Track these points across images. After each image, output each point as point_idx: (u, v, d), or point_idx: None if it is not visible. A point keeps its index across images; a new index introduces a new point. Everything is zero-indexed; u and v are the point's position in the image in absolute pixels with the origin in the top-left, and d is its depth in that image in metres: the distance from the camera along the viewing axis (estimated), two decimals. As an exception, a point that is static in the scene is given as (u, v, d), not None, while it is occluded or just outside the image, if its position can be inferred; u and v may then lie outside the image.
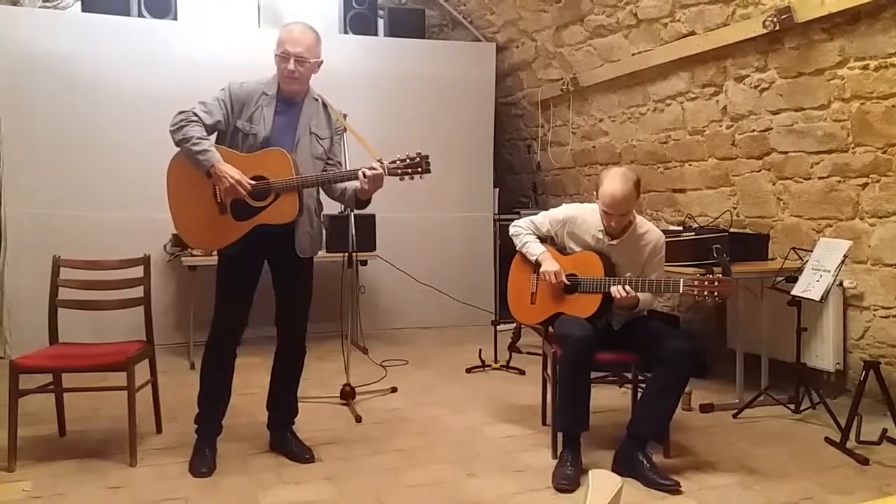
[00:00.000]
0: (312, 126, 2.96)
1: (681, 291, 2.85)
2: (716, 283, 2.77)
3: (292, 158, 2.84)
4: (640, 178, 3.04)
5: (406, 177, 2.91)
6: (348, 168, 3.09)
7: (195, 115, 2.80)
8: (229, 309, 2.96)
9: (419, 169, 2.90)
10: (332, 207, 5.01)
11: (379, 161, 2.88)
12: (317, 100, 3.01)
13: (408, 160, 2.90)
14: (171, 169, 2.93)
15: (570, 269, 3.12)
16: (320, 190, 3.08)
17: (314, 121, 2.97)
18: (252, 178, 2.80)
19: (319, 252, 5.14)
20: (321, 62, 2.94)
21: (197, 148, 2.76)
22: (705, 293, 2.78)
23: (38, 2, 5.41)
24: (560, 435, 2.97)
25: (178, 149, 2.84)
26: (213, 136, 2.89)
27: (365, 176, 2.84)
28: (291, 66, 2.83)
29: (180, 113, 2.81)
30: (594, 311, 3.02)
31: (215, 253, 3.00)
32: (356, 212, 3.89)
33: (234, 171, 2.76)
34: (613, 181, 2.93)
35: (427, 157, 2.91)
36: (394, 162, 2.89)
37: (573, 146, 5.95)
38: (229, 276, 2.96)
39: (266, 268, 3.03)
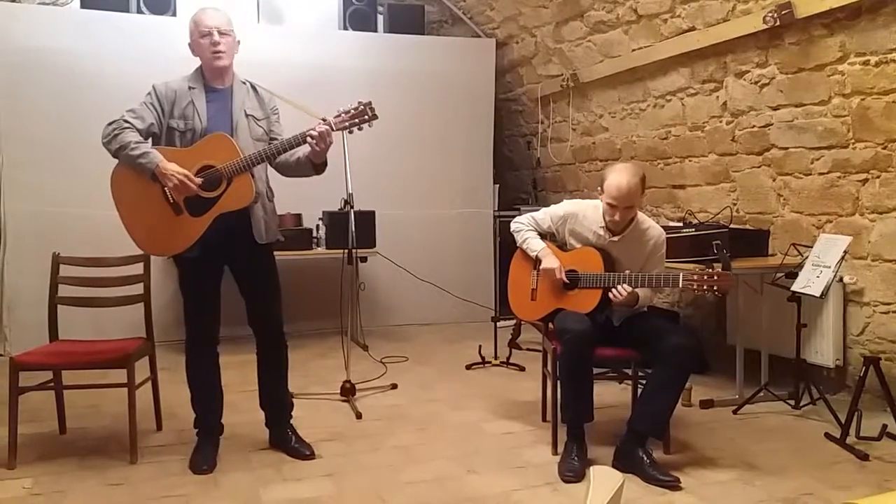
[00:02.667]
0: (247, 109, 2.92)
1: (680, 286, 2.84)
2: (715, 278, 2.77)
3: (235, 140, 2.79)
4: (645, 174, 3.03)
5: (356, 128, 2.87)
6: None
7: (126, 122, 2.75)
8: (200, 314, 2.95)
9: (366, 117, 2.86)
10: (331, 204, 5.04)
11: (323, 120, 2.83)
12: (244, 83, 2.98)
13: (352, 111, 2.86)
14: (113, 183, 2.85)
15: (570, 265, 3.12)
16: (268, 174, 3.03)
17: (248, 104, 2.94)
18: (199, 169, 2.76)
19: (319, 248, 5.19)
20: (239, 42, 2.91)
21: (136, 152, 2.71)
22: (704, 287, 2.78)
23: (37, -2, 5.40)
24: (565, 427, 2.98)
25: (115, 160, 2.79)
26: (149, 141, 2.84)
27: (312, 138, 2.79)
28: (216, 37, 2.81)
29: (110, 124, 2.76)
30: (594, 307, 3.02)
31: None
32: (355, 208, 3.88)
33: (178, 167, 2.72)
34: (620, 174, 2.94)
35: (370, 102, 2.86)
36: (338, 116, 2.85)
37: (573, 142, 5.95)
38: (193, 281, 2.93)
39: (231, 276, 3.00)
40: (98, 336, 3.51)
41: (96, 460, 2.99)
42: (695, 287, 2.79)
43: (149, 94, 2.85)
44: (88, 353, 3.09)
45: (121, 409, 3.05)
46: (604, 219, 3.07)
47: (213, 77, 2.89)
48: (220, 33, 2.82)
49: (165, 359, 3.45)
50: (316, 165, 2.94)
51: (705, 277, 2.78)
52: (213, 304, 2.97)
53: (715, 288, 2.77)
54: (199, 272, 2.91)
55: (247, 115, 2.91)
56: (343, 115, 2.85)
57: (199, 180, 2.74)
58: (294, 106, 3.01)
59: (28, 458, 2.98)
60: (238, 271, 3.01)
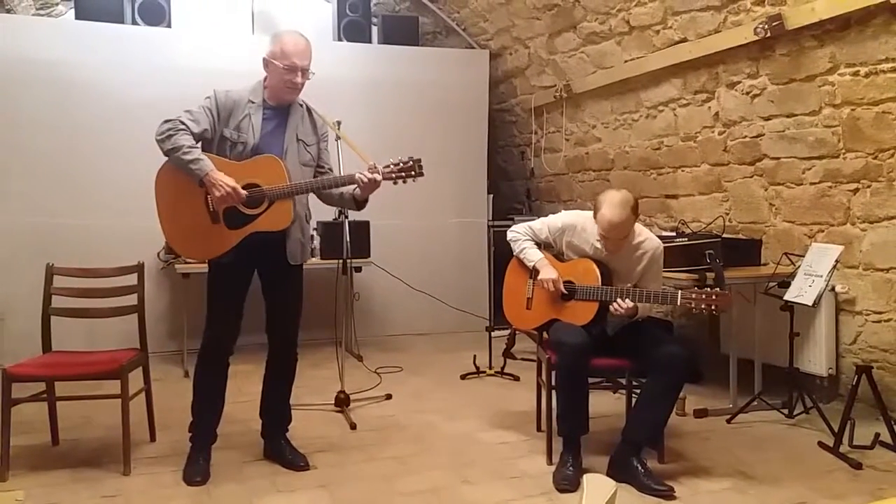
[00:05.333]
0: (299, 133, 2.96)
1: (678, 304, 2.83)
2: (713, 297, 2.75)
3: (285, 165, 2.84)
4: (637, 200, 3.01)
5: (400, 181, 2.91)
6: (342, 173, 3.09)
7: (182, 123, 2.77)
8: (222, 319, 2.95)
9: (412, 172, 2.91)
10: (325, 214, 5.04)
11: (373, 166, 2.88)
12: (301, 105, 3.01)
13: (401, 164, 2.90)
14: (159, 180, 2.89)
15: (567, 276, 3.12)
16: (310, 197, 3.07)
17: (301, 128, 2.97)
18: (245, 186, 2.80)
19: (313, 259, 5.19)
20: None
21: (189, 157, 2.73)
22: (703, 306, 2.76)
23: (32, 9, 5.42)
24: (560, 437, 2.98)
25: (165, 158, 2.82)
26: (199, 145, 2.87)
27: (361, 182, 2.87)
28: (299, 78, 2.85)
29: (166, 122, 2.77)
30: (590, 319, 3.03)
31: (206, 261, 2.99)
32: (350, 218, 3.90)
33: (229, 179, 2.75)
34: (612, 209, 2.91)
35: (419, 160, 2.91)
36: (388, 167, 2.91)
37: (566, 152, 5.97)
38: (221, 286, 2.95)
39: (255, 276, 3.03)
40: (91, 347, 3.50)
41: (89, 472, 2.98)
42: (692, 305, 2.79)
43: (208, 98, 2.87)
44: (81, 365, 3.07)
45: (114, 420, 3.04)
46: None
47: (274, 97, 2.91)
48: (304, 74, 2.86)
49: (159, 370, 3.45)
50: (358, 202, 3.01)
51: (703, 296, 2.77)
52: (237, 314, 2.97)
53: (713, 307, 2.76)
54: (229, 277, 2.93)
55: (298, 140, 2.94)
56: (392, 166, 2.91)
57: (244, 193, 2.77)
58: (348, 143, 3.07)
59: (20, 470, 2.96)
60: (266, 281, 3.04)
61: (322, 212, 5.00)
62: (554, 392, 3.02)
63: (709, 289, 2.81)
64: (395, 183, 2.93)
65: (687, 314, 4.92)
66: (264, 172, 2.82)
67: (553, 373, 3.01)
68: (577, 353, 2.89)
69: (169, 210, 2.89)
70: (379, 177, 2.88)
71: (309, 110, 3.03)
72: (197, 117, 2.81)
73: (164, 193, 2.89)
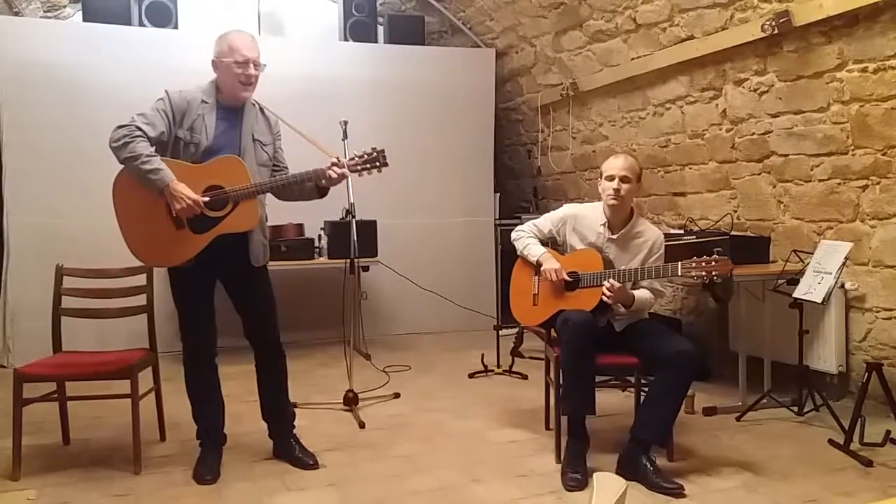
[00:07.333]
0: (255, 133, 2.93)
1: (679, 274, 2.85)
2: (713, 263, 2.79)
3: (246, 164, 2.81)
4: (642, 169, 3.13)
5: (366, 172, 2.92)
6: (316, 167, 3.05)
7: (139, 129, 2.68)
8: (196, 326, 2.95)
9: (377, 164, 2.91)
10: (332, 213, 5.05)
11: (337, 160, 2.88)
12: (254, 105, 2.97)
13: (365, 156, 2.91)
14: (117, 188, 2.81)
15: (571, 267, 3.14)
16: (265, 198, 3.04)
17: (256, 128, 2.94)
18: (207, 188, 2.76)
19: (321, 258, 5.21)
20: None
21: (147, 167, 2.67)
22: (703, 274, 2.79)
23: (40, 12, 5.45)
24: (565, 421, 2.98)
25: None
26: (155, 151, 2.80)
27: (330, 178, 2.86)
28: (252, 70, 2.81)
29: (121, 127, 2.69)
30: (595, 306, 3.03)
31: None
32: (357, 218, 3.90)
33: (188, 191, 2.69)
34: (613, 157, 3.13)
35: (383, 151, 2.91)
36: (353, 159, 2.91)
37: (573, 151, 5.97)
38: (187, 293, 2.93)
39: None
40: (101, 347, 3.52)
41: (100, 471, 3.00)
42: (693, 274, 2.81)
43: (161, 100, 2.81)
44: (92, 365, 3.09)
45: (124, 419, 3.06)
46: (604, 214, 3.14)
47: (228, 97, 2.88)
48: (255, 66, 2.82)
49: (168, 369, 3.45)
50: (321, 190, 3.00)
51: (703, 264, 2.80)
52: (209, 314, 2.97)
53: (714, 273, 2.78)
54: (192, 282, 2.91)
55: (254, 140, 2.92)
56: (357, 158, 2.92)
57: (204, 202, 2.74)
58: (306, 139, 3.02)
59: (32, 470, 2.98)
60: (232, 289, 3.02)
61: (329, 211, 5.04)
62: (560, 372, 3.00)
63: (707, 257, 2.83)
64: (360, 175, 2.92)
65: (695, 310, 4.91)
66: (225, 173, 2.78)
67: (559, 352, 3.00)
68: (582, 330, 2.89)
69: (130, 219, 2.81)
70: (346, 171, 2.87)
71: (262, 109, 3.00)
72: (152, 120, 2.74)
73: (124, 201, 2.82)
